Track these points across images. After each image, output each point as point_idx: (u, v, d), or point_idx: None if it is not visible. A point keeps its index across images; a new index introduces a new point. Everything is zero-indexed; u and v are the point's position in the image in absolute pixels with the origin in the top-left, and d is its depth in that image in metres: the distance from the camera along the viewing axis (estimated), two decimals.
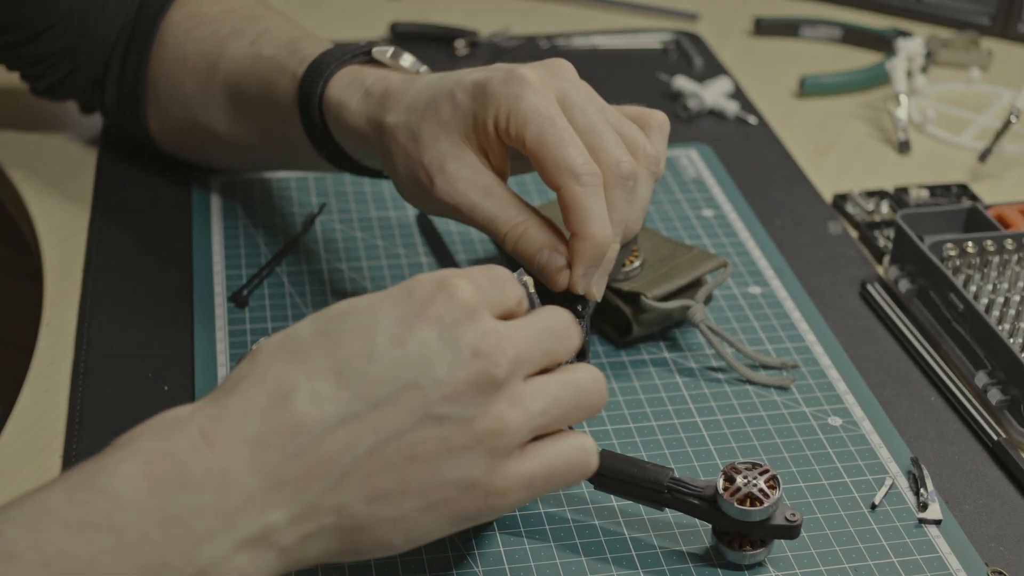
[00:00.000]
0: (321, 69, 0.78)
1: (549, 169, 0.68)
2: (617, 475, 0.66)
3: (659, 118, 0.75)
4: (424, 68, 0.79)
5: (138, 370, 0.78)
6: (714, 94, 1.11)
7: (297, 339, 0.56)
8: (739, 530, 0.66)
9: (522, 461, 0.57)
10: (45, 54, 0.91)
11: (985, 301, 0.84)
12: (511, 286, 0.60)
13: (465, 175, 0.70)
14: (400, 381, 0.55)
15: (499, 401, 0.56)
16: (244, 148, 0.90)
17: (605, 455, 0.67)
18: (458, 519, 0.57)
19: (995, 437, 0.76)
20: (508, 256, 0.72)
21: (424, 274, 0.58)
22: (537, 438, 0.59)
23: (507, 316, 0.59)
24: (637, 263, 0.81)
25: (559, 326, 0.60)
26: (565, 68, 0.72)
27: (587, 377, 0.60)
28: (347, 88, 0.77)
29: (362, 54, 0.79)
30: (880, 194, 1.00)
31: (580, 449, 0.59)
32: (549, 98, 0.69)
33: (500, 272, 0.61)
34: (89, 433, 0.73)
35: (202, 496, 0.52)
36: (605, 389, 0.60)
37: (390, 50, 0.79)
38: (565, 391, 0.59)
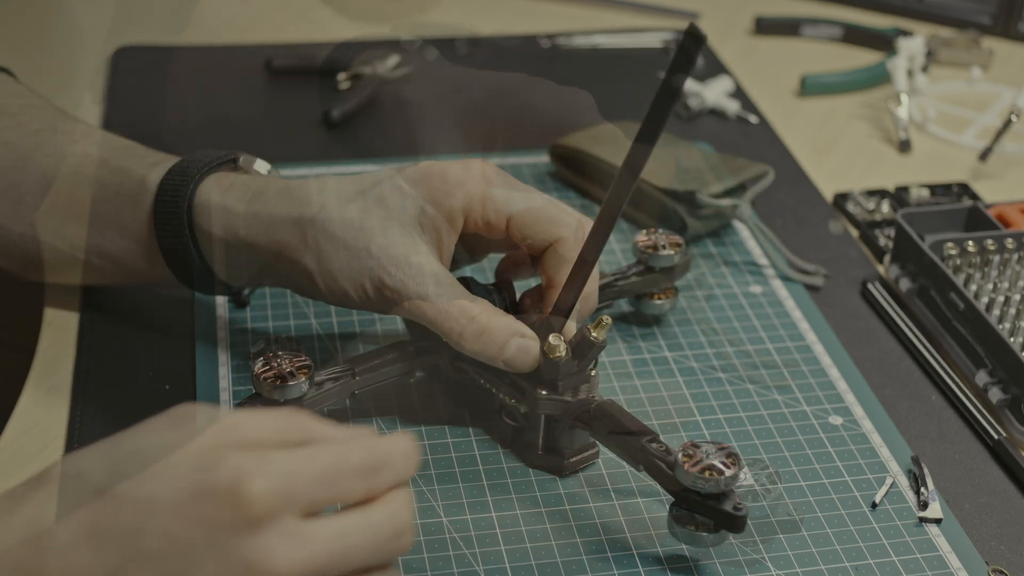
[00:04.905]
0: (190, 173, 0.74)
1: (544, 229, 0.71)
2: (607, 419, 0.68)
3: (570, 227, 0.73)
4: (278, 173, 0.76)
5: (138, 370, 0.78)
6: (715, 93, 1.11)
7: (81, 480, 0.51)
8: (689, 506, 0.65)
9: None
10: None
11: (986, 300, 0.84)
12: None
13: (417, 261, 0.69)
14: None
15: None
16: (38, 256, 0.79)
17: (608, 403, 0.69)
18: None
19: (996, 436, 0.76)
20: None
21: (217, 471, 0.50)
22: None
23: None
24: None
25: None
26: (487, 167, 0.72)
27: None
28: (228, 191, 0.73)
29: (228, 161, 0.76)
30: (881, 193, 1.00)
31: None
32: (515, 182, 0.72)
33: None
34: (89, 433, 0.73)
35: None
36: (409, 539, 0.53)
37: (254, 159, 0.77)
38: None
